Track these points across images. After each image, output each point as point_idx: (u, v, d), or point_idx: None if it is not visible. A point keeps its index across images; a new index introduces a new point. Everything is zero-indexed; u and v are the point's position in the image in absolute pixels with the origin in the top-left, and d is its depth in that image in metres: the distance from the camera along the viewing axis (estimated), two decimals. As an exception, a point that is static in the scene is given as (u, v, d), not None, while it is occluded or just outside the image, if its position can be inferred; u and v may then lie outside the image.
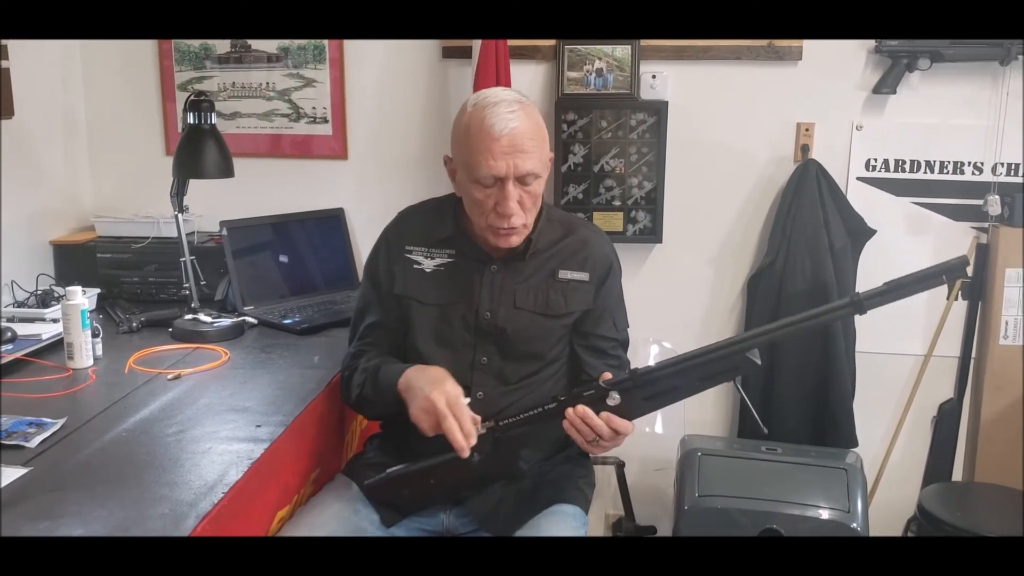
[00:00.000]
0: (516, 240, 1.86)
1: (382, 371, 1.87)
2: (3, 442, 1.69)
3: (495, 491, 1.87)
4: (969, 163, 2.73)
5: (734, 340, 1.63)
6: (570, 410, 1.68)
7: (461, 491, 1.85)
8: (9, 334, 2.22)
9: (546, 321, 1.91)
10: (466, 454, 1.68)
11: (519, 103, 1.81)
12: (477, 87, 2.65)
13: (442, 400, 1.70)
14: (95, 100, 3.00)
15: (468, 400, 1.74)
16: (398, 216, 2.05)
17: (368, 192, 2.91)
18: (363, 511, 1.85)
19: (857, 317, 2.72)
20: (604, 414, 1.66)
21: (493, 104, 1.80)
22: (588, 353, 1.93)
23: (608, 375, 1.71)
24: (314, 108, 2.93)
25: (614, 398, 1.66)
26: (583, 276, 1.92)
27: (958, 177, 2.74)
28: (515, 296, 1.90)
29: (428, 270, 1.94)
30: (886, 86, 2.67)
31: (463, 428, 1.68)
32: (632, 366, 2.81)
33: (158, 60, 2.96)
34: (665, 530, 2.79)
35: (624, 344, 2.01)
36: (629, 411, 1.67)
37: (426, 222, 1.98)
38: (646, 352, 2.89)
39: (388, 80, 2.87)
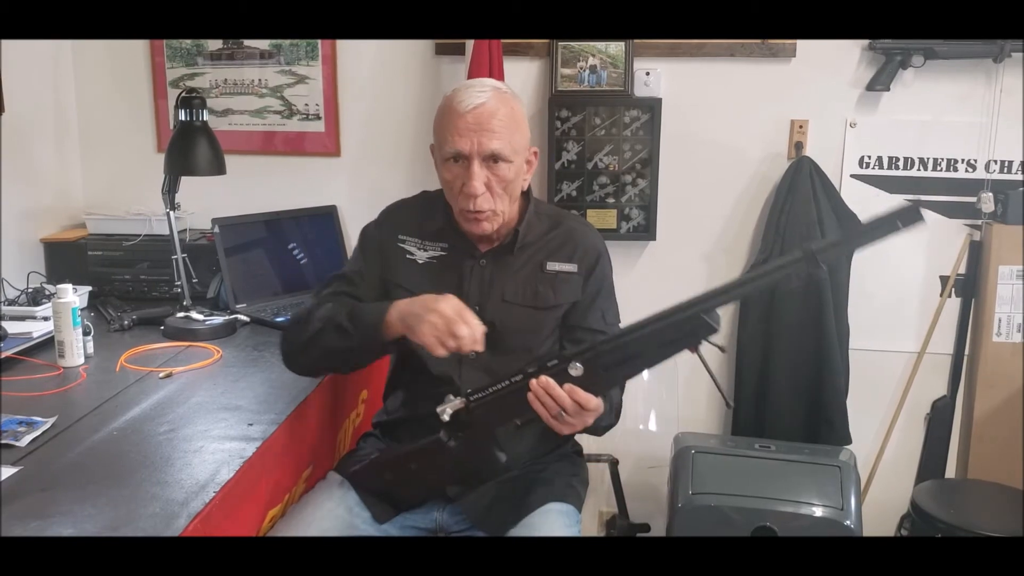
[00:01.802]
0: (488, 227, 1.85)
1: (360, 307, 1.84)
2: (-7, 441, 1.68)
3: (488, 490, 1.87)
4: (963, 160, 2.73)
5: (691, 302, 1.60)
6: (533, 381, 1.64)
7: (444, 479, 1.83)
8: (0, 332, 2.20)
9: (535, 314, 1.90)
10: (479, 347, 1.67)
11: (494, 88, 1.83)
12: (470, 84, 2.65)
13: (449, 308, 1.68)
14: (86, 97, 2.99)
15: (458, 400, 1.72)
16: (391, 205, 2.05)
17: (361, 189, 2.90)
18: (355, 509, 1.85)
19: (850, 314, 2.76)
20: (568, 386, 1.62)
21: (467, 87, 1.83)
22: (577, 347, 1.89)
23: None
24: (307, 105, 2.92)
25: (577, 368, 1.63)
26: (571, 267, 1.91)
27: (951, 174, 2.75)
28: (504, 290, 1.89)
29: (420, 262, 1.94)
30: (880, 83, 2.67)
31: (473, 325, 1.67)
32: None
33: (150, 57, 2.95)
34: (659, 528, 2.79)
35: None
36: (593, 383, 1.63)
37: (419, 214, 1.98)
38: (640, 350, 2.88)
39: (381, 77, 2.87)
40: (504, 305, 1.88)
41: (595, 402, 1.63)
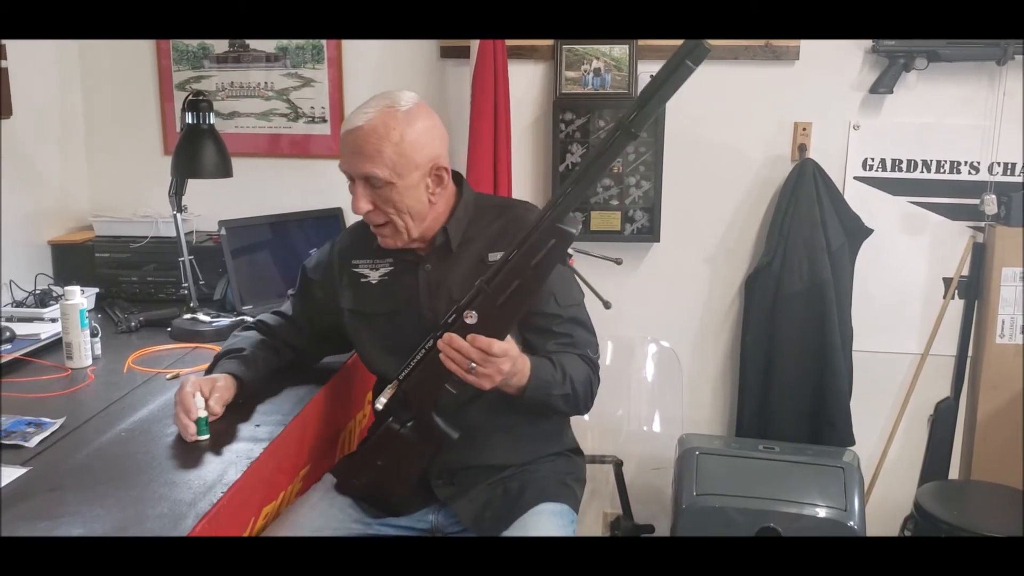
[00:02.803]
0: (392, 241, 1.88)
1: (217, 364, 1.94)
2: (2, 442, 1.69)
3: (480, 492, 1.88)
4: (966, 163, 2.74)
5: (541, 214, 1.63)
6: (439, 340, 1.67)
7: (414, 471, 1.84)
8: (8, 334, 2.22)
9: None
10: (191, 429, 1.72)
11: (385, 108, 1.80)
12: (475, 87, 2.66)
13: (182, 390, 1.78)
14: (93, 99, 3.01)
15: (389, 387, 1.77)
16: (345, 230, 2.10)
17: (366, 191, 2.91)
18: (349, 509, 1.86)
19: (854, 315, 2.77)
20: (469, 335, 1.65)
21: (361, 106, 1.84)
22: (533, 334, 1.86)
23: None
24: (312, 108, 2.94)
25: (472, 316, 1.66)
26: None
27: (955, 176, 2.75)
28: (451, 290, 1.87)
29: (374, 281, 1.96)
30: (883, 86, 2.68)
31: (184, 405, 1.74)
32: (631, 366, 2.88)
33: (156, 59, 2.96)
34: (663, 529, 2.80)
35: (575, 321, 1.89)
36: (490, 326, 1.65)
37: (364, 234, 1.98)
38: (643, 351, 2.90)
39: (386, 80, 2.87)
40: (454, 303, 1.82)
41: (499, 346, 1.65)
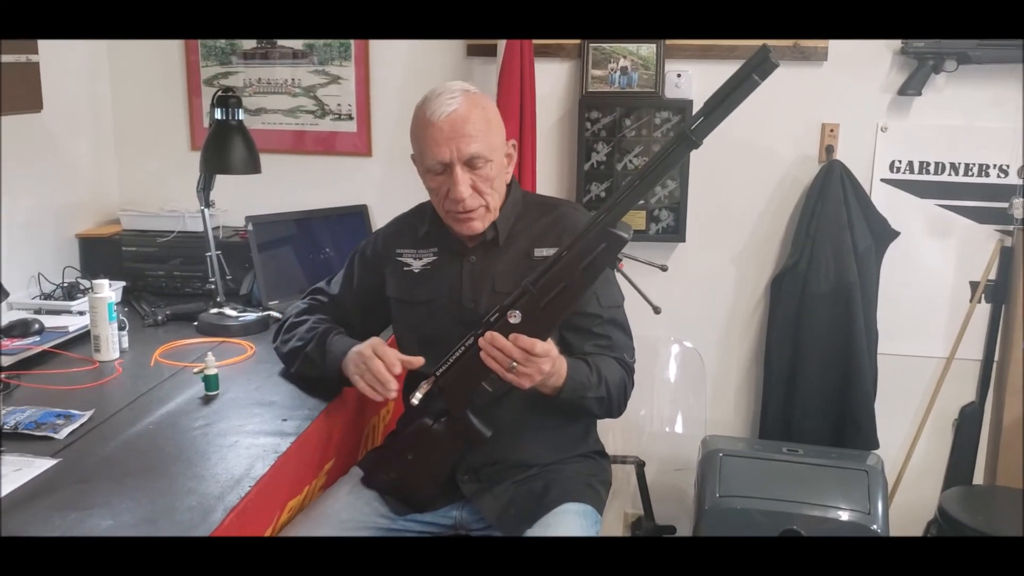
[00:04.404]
0: (479, 225, 1.88)
1: (332, 340, 1.93)
2: (33, 433, 1.71)
3: (505, 489, 1.88)
4: (995, 166, 2.71)
5: (594, 218, 1.63)
6: (481, 338, 1.69)
7: (444, 467, 1.85)
8: (37, 326, 2.24)
9: None
10: (392, 385, 1.76)
11: (462, 92, 1.86)
12: (502, 85, 2.66)
13: (367, 348, 1.81)
14: (122, 95, 3.03)
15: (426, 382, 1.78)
16: (391, 220, 2.11)
17: (392, 189, 2.92)
18: (375, 503, 1.87)
19: (880, 318, 2.75)
20: (512, 335, 1.66)
21: (436, 96, 1.85)
22: (572, 333, 1.88)
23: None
24: (339, 105, 2.95)
25: (516, 315, 1.67)
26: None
27: (983, 180, 2.73)
28: (494, 282, 1.89)
29: (417, 270, 1.97)
30: (911, 87, 2.66)
31: (386, 361, 1.78)
32: (655, 367, 2.87)
33: (184, 55, 2.98)
34: (684, 530, 2.79)
35: (614, 323, 1.93)
36: (534, 326, 1.66)
37: (410, 223, 2.03)
38: (667, 351, 2.89)
39: (413, 78, 2.88)
40: (495, 296, 1.87)
41: (541, 346, 1.66)
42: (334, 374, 1.90)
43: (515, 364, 1.66)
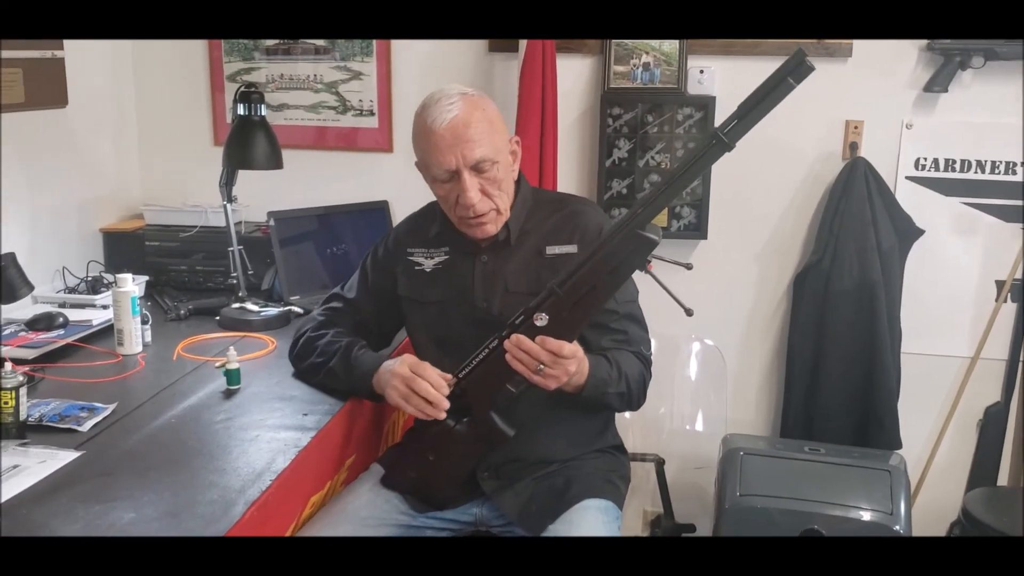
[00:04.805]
0: (492, 228, 1.88)
1: (357, 354, 1.91)
2: (57, 426, 1.72)
3: (525, 486, 1.88)
4: (1021, 163, 2.68)
5: (624, 221, 1.61)
6: (507, 341, 1.67)
7: (465, 467, 1.84)
8: (61, 319, 2.26)
9: None
10: (445, 405, 1.74)
11: (460, 95, 1.84)
12: (523, 81, 2.66)
13: (405, 368, 1.77)
14: (145, 90, 3.05)
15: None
16: (403, 220, 2.11)
17: (412, 185, 2.84)
18: (395, 500, 1.87)
19: (903, 317, 2.73)
20: (539, 337, 1.65)
21: (435, 102, 1.83)
22: (589, 329, 1.85)
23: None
24: (360, 101, 2.95)
25: (542, 318, 1.65)
26: (571, 248, 1.90)
27: (1009, 177, 2.70)
28: (506, 281, 1.89)
29: (428, 270, 1.97)
30: (937, 84, 2.63)
31: (432, 380, 1.75)
32: (675, 364, 2.86)
33: (207, 52, 3.00)
34: (704, 529, 2.78)
35: (630, 317, 1.93)
36: (560, 329, 1.65)
37: (422, 224, 2.02)
38: (688, 349, 2.88)
39: (434, 74, 2.88)
40: (508, 295, 1.88)
41: (568, 348, 1.66)
42: (363, 390, 1.89)
43: (542, 366, 1.66)
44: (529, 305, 1.69)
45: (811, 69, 1.48)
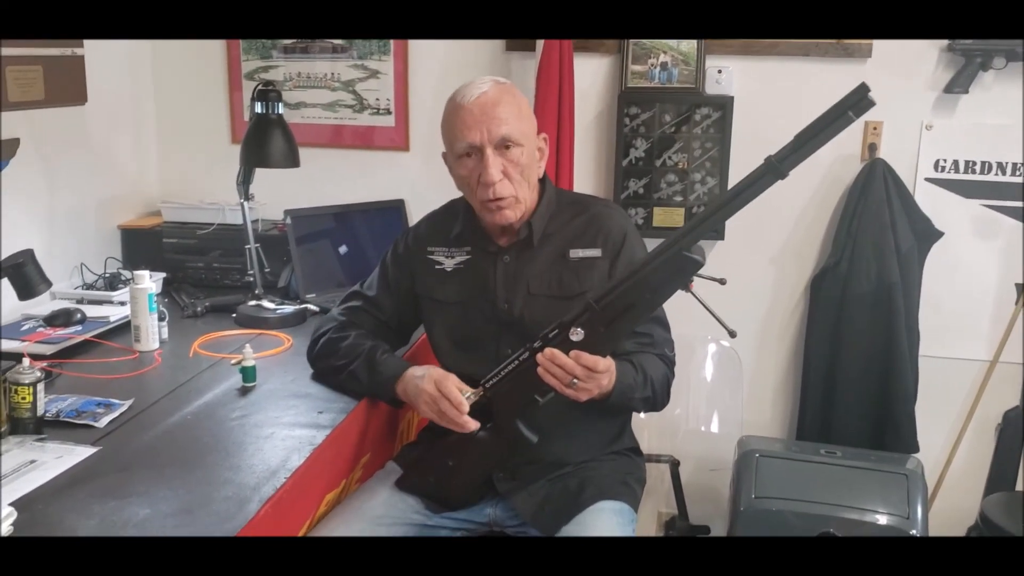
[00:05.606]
0: (510, 215, 1.86)
1: (380, 359, 1.90)
2: (74, 421, 1.73)
3: (540, 487, 1.87)
4: (1021, 163, 2.66)
5: (670, 242, 1.60)
6: (540, 355, 1.66)
7: (485, 471, 1.84)
8: (79, 316, 2.27)
9: (562, 304, 1.85)
10: (470, 426, 1.73)
11: (493, 81, 1.86)
12: (540, 80, 2.66)
13: (432, 386, 1.76)
14: (164, 88, 3.06)
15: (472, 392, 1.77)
16: (422, 219, 2.10)
17: (429, 184, 2.91)
18: (410, 500, 1.87)
19: (921, 320, 2.71)
20: (574, 352, 1.63)
21: (466, 86, 1.86)
22: None
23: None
24: (377, 99, 2.96)
25: (578, 333, 1.64)
26: (595, 252, 1.90)
27: (1031, 180, 2.68)
28: (528, 283, 1.89)
29: (449, 269, 1.96)
30: (958, 85, 2.61)
31: (453, 401, 1.74)
32: (691, 365, 2.85)
33: (226, 50, 3.01)
34: (719, 531, 2.77)
35: (655, 319, 1.91)
36: (595, 344, 1.64)
37: (443, 222, 2.01)
38: (704, 350, 2.87)
39: (451, 73, 2.87)
40: (530, 297, 1.87)
41: (604, 363, 1.65)
42: (385, 395, 1.89)
43: (576, 381, 1.65)
44: (564, 319, 1.67)
45: (872, 104, 1.45)
